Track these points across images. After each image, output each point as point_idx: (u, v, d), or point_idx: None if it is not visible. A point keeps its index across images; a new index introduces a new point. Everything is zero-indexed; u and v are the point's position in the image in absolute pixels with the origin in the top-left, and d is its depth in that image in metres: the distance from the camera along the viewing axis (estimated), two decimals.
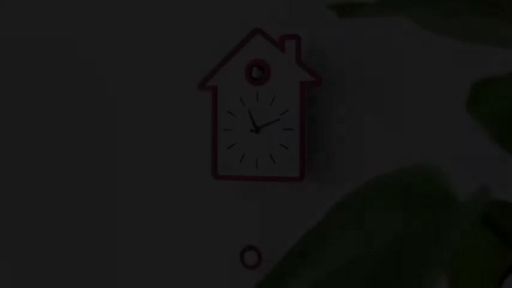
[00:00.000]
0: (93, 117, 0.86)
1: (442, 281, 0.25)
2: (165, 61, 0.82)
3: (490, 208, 0.26)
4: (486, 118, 0.25)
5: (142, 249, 0.83)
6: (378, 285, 0.22)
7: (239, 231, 0.76)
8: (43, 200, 0.87)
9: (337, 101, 0.71)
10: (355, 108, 0.70)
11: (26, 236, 0.88)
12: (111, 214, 0.85)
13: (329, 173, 0.71)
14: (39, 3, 0.87)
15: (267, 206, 0.75)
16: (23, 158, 0.89)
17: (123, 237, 0.84)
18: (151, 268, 0.82)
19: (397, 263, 0.23)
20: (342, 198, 0.27)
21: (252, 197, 0.75)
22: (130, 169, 0.83)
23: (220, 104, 0.73)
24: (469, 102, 0.25)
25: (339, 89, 0.71)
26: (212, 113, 0.73)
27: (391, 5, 0.33)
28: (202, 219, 0.79)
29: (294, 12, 0.74)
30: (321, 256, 0.24)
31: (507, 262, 0.33)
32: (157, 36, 0.82)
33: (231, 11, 0.78)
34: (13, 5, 0.89)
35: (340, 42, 0.71)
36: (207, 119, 0.76)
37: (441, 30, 0.34)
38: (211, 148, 0.73)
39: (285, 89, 0.70)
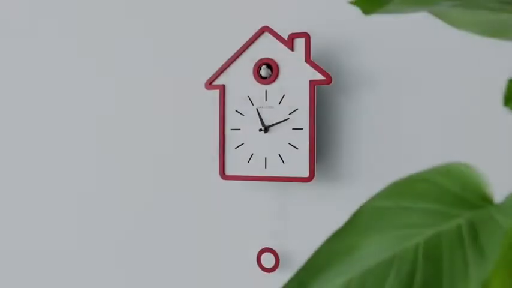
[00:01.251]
0: (98, 116, 0.86)
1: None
2: (171, 59, 0.81)
3: None
4: None
5: (148, 252, 0.82)
6: (416, 285, 0.21)
7: (247, 233, 0.75)
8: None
9: (348, 100, 0.70)
10: (366, 107, 0.69)
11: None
12: (118, 215, 0.84)
13: (339, 173, 0.71)
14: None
15: (275, 207, 0.74)
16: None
17: (128, 238, 0.83)
18: (157, 269, 0.81)
19: (434, 264, 0.22)
20: (372, 197, 0.26)
21: (261, 198, 0.74)
22: (135, 170, 0.82)
23: (228, 103, 0.72)
24: (506, 98, 0.24)
25: (349, 87, 0.70)
26: (220, 112, 0.72)
27: (416, 0, 0.32)
28: (208, 221, 0.78)
29: (303, 10, 0.73)
30: (356, 254, 0.23)
31: None
32: (163, 34, 0.81)
33: (239, 8, 0.77)
34: None
35: (351, 40, 0.70)
36: (214, 118, 0.75)
37: (466, 26, 0.34)
38: (219, 148, 0.72)
39: (294, 88, 0.69)
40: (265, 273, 0.73)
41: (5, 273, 0.93)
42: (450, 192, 0.24)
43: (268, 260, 0.73)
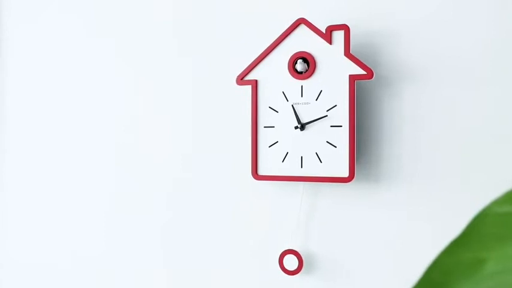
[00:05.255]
0: (127, 115, 0.82)
1: None
2: (201, 53, 0.77)
3: None
4: None
5: (179, 252, 0.78)
6: None
7: (280, 236, 0.72)
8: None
9: (389, 95, 0.66)
10: (408, 103, 0.66)
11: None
12: (146, 215, 0.80)
13: (380, 173, 0.67)
14: None
15: (313, 209, 0.70)
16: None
17: (160, 239, 0.79)
18: (189, 269, 0.78)
19: None
20: (494, 202, 0.22)
21: (296, 199, 0.71)
22: (164, 171, 0.79)
23: (261, 100, 0.69)
24: None
25: (391, 82, 0.66)
26: (252, 109, 0.69)
27: None
28: (241, 223, 0.74)
29: (342, 1, 0.69)
30: (485, 270, 0.20)
31: None
32: (192, 26, 0.78)
33: None
34: None
35: (392, 32, 0.66)
36: (246, 115, 0.71)
37: None
38: (251, 147, 0.69)
39: (333, 83, 0.65)
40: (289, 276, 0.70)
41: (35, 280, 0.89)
42: None
43: (292, 262, 0.70)
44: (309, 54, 0.66)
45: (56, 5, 0.88)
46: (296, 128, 0.67)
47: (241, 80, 0.70)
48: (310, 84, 0.66)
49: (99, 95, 0.84)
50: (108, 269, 0.83)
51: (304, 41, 0.67)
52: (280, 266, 0.70)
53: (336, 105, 0.65)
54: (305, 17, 0.66)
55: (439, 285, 0.21)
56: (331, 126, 0.65)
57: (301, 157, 0.67)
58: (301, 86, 0.67)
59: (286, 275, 0.70)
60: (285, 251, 0.70)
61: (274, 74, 0.68)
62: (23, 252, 0.90)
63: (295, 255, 0.69)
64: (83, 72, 0.86)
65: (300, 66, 0.66)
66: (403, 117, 0.66)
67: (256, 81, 0.69)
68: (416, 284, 0.21)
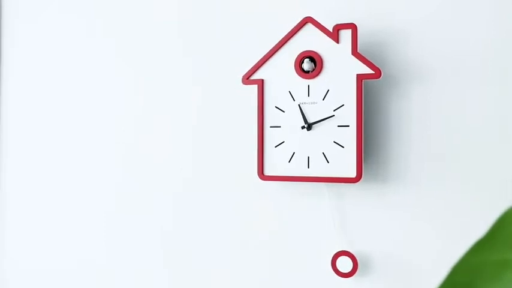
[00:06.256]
0: (132, 115, 0.82)
1: None
2: (207, 52, 0.76)
3: None
4: None
5: (183, 253, 0.77)
6: None
7: (287, 236, 0.71)
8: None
9: (397, 95, 0.66)
10: (416, 103, 0.65)
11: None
12: (152, 217, 0.80)
13: (388, 173, 0.66)
14: None
15: (319, 210, 0.69)
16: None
17: (165, 240, 0.79)
18: (193, 270, 0.77)
19: None
20: None
21: (302, 200, 0.70)
22: (169, 171, 0.78)
23: (268, 99, 0.68)
24: None
25: (399, 82, 0.66)
26: (258, 108, 0.68)
27: None
28: (247, 225, 0.73)
29: None
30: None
31: None
32: (197, 25, 0.77)
33: None
34: None
35: (400, 31, 0.66)
36: (252, 115, 0.71)
37: None
38: (257, 147, 0.68)
39: (340, 83, 0.64)
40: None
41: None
42: None
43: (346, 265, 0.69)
44: (316, 53, 0.66)
45: (57, 4, 0.88)
46: (303, 127, 0.66)
47: (247, 79, 0.69)
48: (317, 83, 0.66)
49: (101, 95, 0.84)
50: (110, 271, 0.82)
51: (311, 40, 0.66)
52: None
53: (343, 105, 0.64)
54: (312, 16, 0.66)
55: (465, 286, 0.20)
56: (339, 126, 0.65)
57: (308, 157, 0.66)
58: (308, 86, 0.66)
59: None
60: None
61: (280, 73, 0.67)
62: (23, 255, 0.89)
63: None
64: (86, 72, 0.85)
65: (306, 65, 0.66)
66: (411, 116, 0.65)
67: (262, 80, 0.68)
68: (442, 285, 0.21)
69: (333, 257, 0.67)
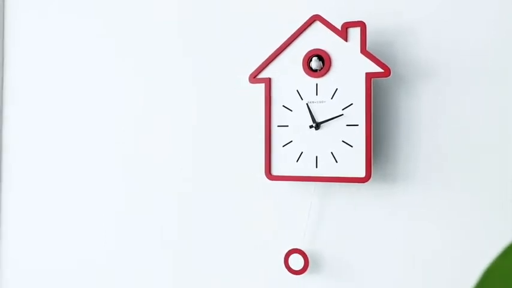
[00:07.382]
0: (139, 115, 0.81)
1: None
2: (213, 51, 0.76)
3: None
4: None
5: (190, 253, 0.77)
6: None
7: (295, 237, 0.70)
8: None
9: (407, 94, 0.65)
10: (426, 102, 0.64)
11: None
12: (160, 215, 0.79)
13: (397, 173, 0.65)
14: None
15: (328, 210, 0.68)
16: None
17: (171, 238, 0.78)
18: (200, 268, 0.76)
19: None
20: None
21: (311, 200, 0.69)
22: (177, 171, 0.78)
23: (275, 98, 0.67)
24: None
25: (409, 80, 0.65)
26: (265, 107, 0.67)
27: None
28: (254, 224, 0.73)
29: None
30: None
31: None
32: (203, 22, 0.76)
33: None
34: None
35: (410, 29, 0.65)
36: (259, 114, 0.70)
37: None
38: (265, 146, 0.67)
39: (349, 81, 0.64)
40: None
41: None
42: None
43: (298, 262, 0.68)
44: (324, 51, 0.65)
45: (58, 5, 0.87)
46: (311, 127, 0.65)
47: (254, 78, 0.68)
48: (325, 82, 0.65)
49: (101, 95, 0.83)
50: (110, 271, 0.81)
51: (319, 38, 0.65)
52: (285, 265, 0.68)
53: (352, 104, 0.64)
54: (320, 14, 0.65)
55: None
56: (347, 125, 0.64)
57: (316, 157, 0.65)
58: (316, 84, 0.65)
59: (292, 274, 0.68)
60: (290, 250, 0.68)
61: (288, 72, 0.67)
62: (23, 255, 0.88)
63: (301, 254, 0.68)
64: (86, 72, 0.84)
65: (314, 64, 0.65)
66: (421, 116, 0.64)
67: (269, 79, 0.67)
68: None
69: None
